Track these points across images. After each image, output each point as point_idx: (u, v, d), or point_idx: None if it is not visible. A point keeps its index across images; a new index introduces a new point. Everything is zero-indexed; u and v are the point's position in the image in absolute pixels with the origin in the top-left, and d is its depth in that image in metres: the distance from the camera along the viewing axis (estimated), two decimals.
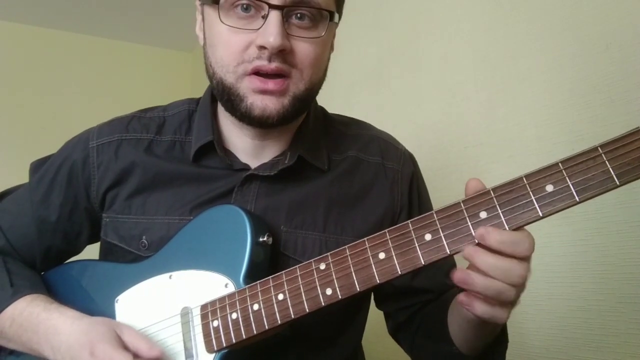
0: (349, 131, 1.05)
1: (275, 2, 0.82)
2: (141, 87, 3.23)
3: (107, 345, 0.80)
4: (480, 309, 0.68)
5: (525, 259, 0.67)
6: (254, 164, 0.97)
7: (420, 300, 1.01)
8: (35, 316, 0.89)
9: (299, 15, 0.85)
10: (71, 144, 1.04)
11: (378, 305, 1.09)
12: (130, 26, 3.14)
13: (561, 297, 1.28)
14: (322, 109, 1.09)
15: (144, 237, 0.96)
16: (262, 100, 0.86)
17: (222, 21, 0.86)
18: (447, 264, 0.73)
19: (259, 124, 0.88)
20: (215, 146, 0.96)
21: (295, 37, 0.85)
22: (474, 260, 0.66)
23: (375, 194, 0.99)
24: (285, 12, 0.84)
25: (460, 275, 0.68)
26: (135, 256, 0.96)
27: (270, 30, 0.82)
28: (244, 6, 0.84)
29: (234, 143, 0.99)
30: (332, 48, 1.00)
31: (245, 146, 0.98)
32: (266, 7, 0.82)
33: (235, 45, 0.86)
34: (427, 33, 1.79)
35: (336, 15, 0.90)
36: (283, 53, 0.84)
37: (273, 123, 0.87)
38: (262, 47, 0.83)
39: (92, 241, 1.07)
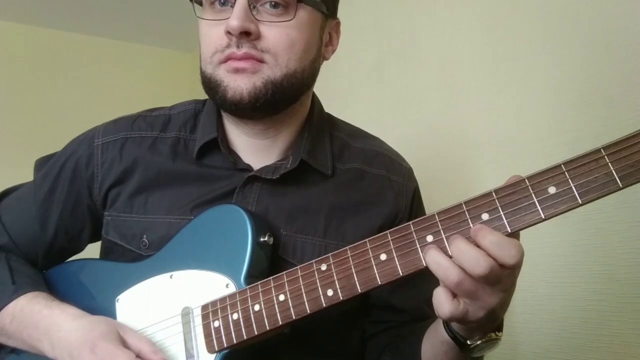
0: (355, 143, 1.05)
1: None
2: (141, 87, 3.22)
3: (109, 344, 0.80)
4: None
5: (506, 266, 0.64)
6: (256, 165, 0.97)
7: (393, 319, 1.00)
8: (37, 313, 0.90)
9: (273, 3, 0.86)
10: (76, 142, 1.04)
11: None
12: (130, 26, 3.14)
13: (561, 297, 1.28)
14: (329, 115, 1.09)
15: (144, 236, 0.96)
16: (234, 81, 0.87)
17: (199, 17, 0.90)
18: (429, 290, 0.72)
19: (234, 106, 0.88)
20: (219, 143, 0.96)
21: (265, 22, 0.86)
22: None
23: (380, 204, 0.99)
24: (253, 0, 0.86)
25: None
26: (136, 255, 0.96)
27: (232, 15, 0.84)
28: (221, 1, 0.88)
29: (236, 143, 0.99)
30: (330, 44, 1.00)
31: (245, 146, 0.98)
32: None
33: (211, 37, 0.89)
34: (427, 33, 1.79)
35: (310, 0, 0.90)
36: (250, 38, 0.85)
37: (246, 105, 0.87)
38: (228, 33, 0.85)
39: (94, 239, 1.07)
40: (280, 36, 0.87)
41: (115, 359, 0.78)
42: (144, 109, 1.07)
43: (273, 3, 0.86)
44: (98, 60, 3.19)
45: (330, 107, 1.10)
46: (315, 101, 1.04)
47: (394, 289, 0.95)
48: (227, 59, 0.87)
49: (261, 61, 0.87)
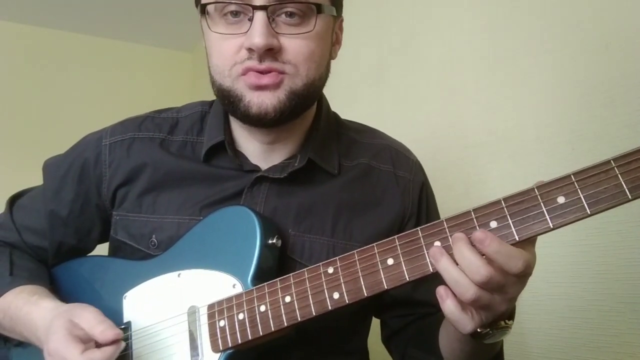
0: (361, 139, 1.06)
1: (259, 2, 0.83)
2: (141, 87, 3.23)
3: (57, 343, 0.78)
4: (448, 307, 0.69)
5: (516, 275, 0.67)
6: (264, 166, 0.98)
7: (419, 311, 1.01)
8: (19, 310, 0.91)
9: (289, 13, 0.85)
10: (84, 142, 1.05)
11: (376, 314, 1.09)
12: (130, 26, 3.13)
13: (561, 297, 1.29)
14: (335, 115, 1.09)
15: (153, 235, 0.96)
16: (258, 96, 0.86)
17: (211, 29, 0.88)
18: None
19: (258, 121, 0.88)
20: (225, 146, 0.96)
21: (285, 35, 0.86)
22: (454, 248, 0.68)
23: (386, 202, 0.99)
24: (271, 11, 0.84)
25: (436, 250, 0.69)
26: (145, 254, 0.97)
27: (255, 32, 0.83)
28: (233, 12, 0.86)
29: (244, 146, 0.99)
30: (337, 42, 1.00)
31: (255, 149, 0.98)
32: (251, 9, 0.84)
33: (227, 51, 0.87)
34: (427, 33, 1.79)
35: (326, 7, 0.89)
36: (272, 52, 0.85)
37: (272, 119, 0.87)
38: (250, 49, 0.84)
39: (103, 239, 1.07)
40: (301, 48, 0.86)
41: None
42: (143, 108, 1.08)
43: (289, 12, 0.85)
44: (98, 60, 3.19)
45: (331, 106, 1.11)
46: (323, 100, 1.04)
47: (417, 285, 0.96)
48: (247, 70, 0.86)
49: (282, 72, 0.86)
